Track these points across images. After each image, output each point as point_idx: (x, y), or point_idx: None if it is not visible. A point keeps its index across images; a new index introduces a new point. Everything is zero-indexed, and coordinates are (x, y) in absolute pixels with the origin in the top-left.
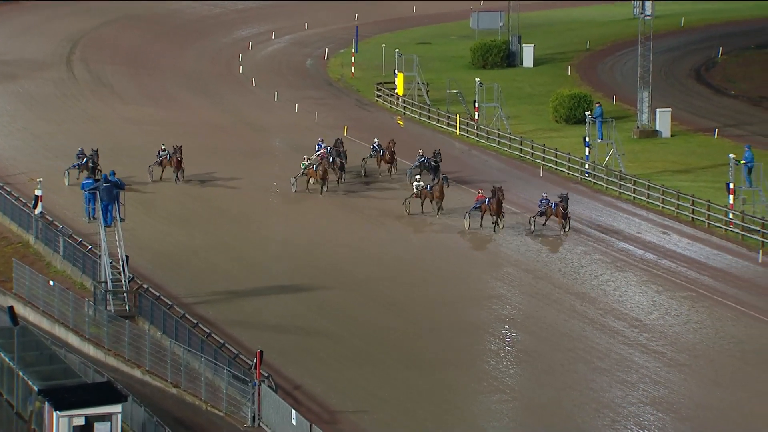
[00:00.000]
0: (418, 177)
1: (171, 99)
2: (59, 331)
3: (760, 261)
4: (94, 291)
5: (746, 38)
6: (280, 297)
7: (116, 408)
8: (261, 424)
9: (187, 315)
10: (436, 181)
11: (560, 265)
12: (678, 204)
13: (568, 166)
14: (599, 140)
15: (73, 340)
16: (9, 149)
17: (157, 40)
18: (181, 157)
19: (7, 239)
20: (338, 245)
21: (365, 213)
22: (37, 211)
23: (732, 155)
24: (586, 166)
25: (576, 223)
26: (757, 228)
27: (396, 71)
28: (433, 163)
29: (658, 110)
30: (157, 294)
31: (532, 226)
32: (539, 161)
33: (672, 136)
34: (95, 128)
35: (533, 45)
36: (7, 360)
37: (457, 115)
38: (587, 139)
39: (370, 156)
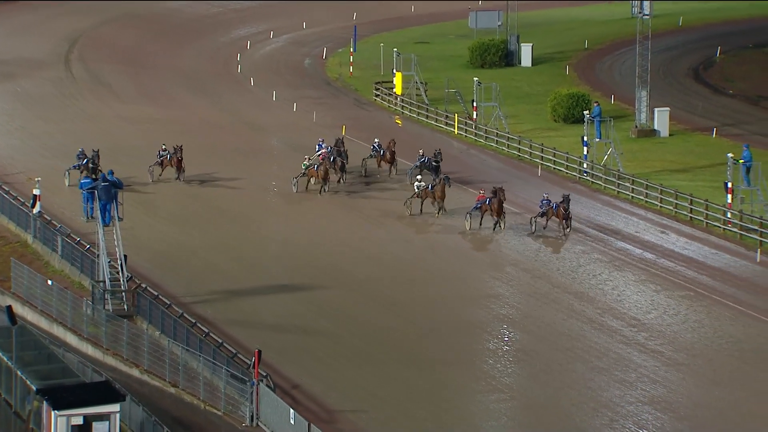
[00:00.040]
0: (419, 177)
1: (169, 98)
2: (57, 331)
3: (758, 260)
4: (92, 290)
5: (744, 37)
6: (279, 296)
7: (114, 407)
8: (259, 423)
9: (185, 314)
10: (437, 181)
11: (558, 265)
12: (676, 203)
13: (567, 165)
14: (597, 139)
15: (71, 339)
16: (7, 148)
17: (155, 40)
18: (182, 157)
19: (5, 238)
20: (338, 245)
21: (366, 213)
22: (35, 211)
23: (730, 154)
24: (585, 166)
25: (574, 222)
26: (755, 227)
27: (394, 70)
28: (433, 163)
29: (656, 109)
30: (156, 293)
31: (533, 227)
32: (538, 161)
33: (670, 135)
34: (93, 127)
35: (531, 44)
36: (5, 359)
37: (456, 115)
38: (585, 138)
39: (371, 156)
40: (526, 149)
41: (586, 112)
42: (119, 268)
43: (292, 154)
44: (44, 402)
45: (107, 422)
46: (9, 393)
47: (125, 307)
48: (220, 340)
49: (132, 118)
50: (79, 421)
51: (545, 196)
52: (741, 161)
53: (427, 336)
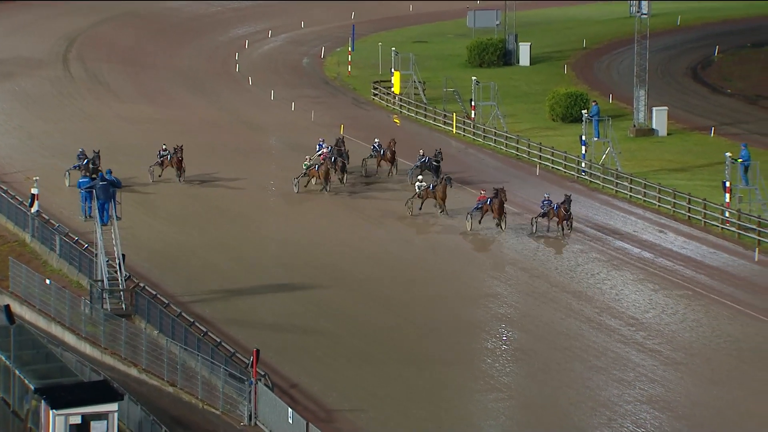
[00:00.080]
0: (420, 177)
1: (168, 98)
2: (56, 330)
3: (756, 259)
4: (90, 289)
5: (742, 37)
6: (278, 296)
7: (113, 407)
8: (257, 422)
9: (183, 313)
10: (438, 181)
11: (557, 264)
12: (674, 202)
13: (565, 164)
14: (596, 139)
15: (69, 338)
16: (5, 148)
17: (153, 39)
18: (182, 157)
19: (4, 238)
20: (338, 245)
21: (366, 213)
22: (33, 210)
23: (728, 154)
24: (583, 165)
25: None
26: (754, 226)
27: (392, 70)
28: (434, 163)
29: (654, 109)
30: (154, 292)
31: (534, 228)
32: (536, 160)
33: (668, 134)
34: (92, 127)
35: (530, 43)
36: (3, 359)
37: (454, 114)
38: (584, 137)
39: (371, 156)
40: (525, 148)
41: (584, 112)
42: (117, 268)
43: (290, 153)
44: (42, 401)
45: (105, 421)
46: (7, 392)
47: (123, 306)
48: (219, 340)
49: (130, 118)
50: (78, 420)
51: (546, 196)
52: (739, 160)
53: (427, 336)
